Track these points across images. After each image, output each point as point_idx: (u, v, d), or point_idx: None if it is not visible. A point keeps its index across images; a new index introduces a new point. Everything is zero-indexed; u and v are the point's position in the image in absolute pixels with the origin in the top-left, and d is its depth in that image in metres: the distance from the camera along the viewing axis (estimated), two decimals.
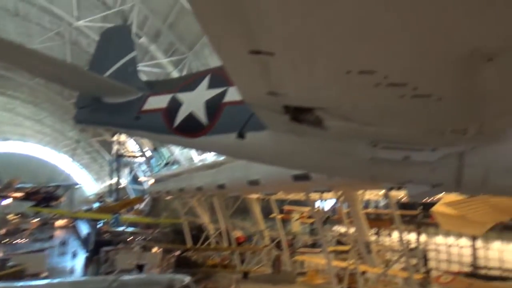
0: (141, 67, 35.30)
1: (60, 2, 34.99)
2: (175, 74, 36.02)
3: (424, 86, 2.53)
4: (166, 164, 52.60)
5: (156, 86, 7.28)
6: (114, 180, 62.21)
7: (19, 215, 56.34)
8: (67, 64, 7.68)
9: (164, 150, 54.05)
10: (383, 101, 2.83)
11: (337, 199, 18.02)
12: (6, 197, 57.11)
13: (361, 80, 2.58)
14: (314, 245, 33.13)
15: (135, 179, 68.25)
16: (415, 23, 1.99)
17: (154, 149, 56.87)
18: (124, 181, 67.83)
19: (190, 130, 6.15)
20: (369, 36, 2.17)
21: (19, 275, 20.51)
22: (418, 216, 29.78)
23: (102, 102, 7.51)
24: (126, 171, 68.99)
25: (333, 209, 24.59)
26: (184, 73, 33.95)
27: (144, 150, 60.79)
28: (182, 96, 6.25)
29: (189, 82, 6.38)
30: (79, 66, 8.35)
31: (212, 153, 27.57)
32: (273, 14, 2.19)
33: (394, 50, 2.23)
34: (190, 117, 6.07)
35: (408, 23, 1.99)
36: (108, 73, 8.03)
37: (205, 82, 6.03)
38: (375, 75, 2.51)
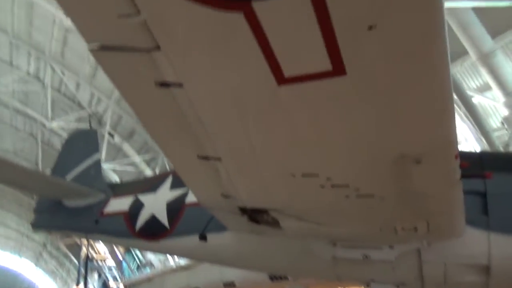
0: (113, 165, 35.14)
1: (35, 103, 35.63)
2: (148, 172, 35.92)
3: (365, 187, 2.60)
4: (138, 267, 49.63)
5: (118, 188, 7.18)
6: (81, 287, 57.58)
7: None
8: (25, 169, 7.60)
9: (137, 251, 51.35)
10: (331, 201, 2.87)
11: None
12: None
13: (306, 182, 2.65)
14: None
15: (105, 285, 63.45)
16: (345, 136, 2.17)
17: (126, 251, 53.97)
18: None
19: (152, 233, 5.95)
20: (305, 144, 2.29)
21: None
22: None
23: (62, 206, 7.27)
24: (95, 276, 64.38)
25: None
26: (157, 171, 33.92)
27: (115, 252, 57.56)
28: (143, 198, 6.15)
29: (151, 184, 6.34)
30: (37, 171, 8.28)
31: None
32: (214, 126, 2.31)
33: (330, 156, 2.35)
34: (152, 220, 5.92)
35: (338, 136, 2.17)
36: (71, 174, 7.93)
37: (167, 183, 6.01)
38: (318, 178, 2.58)
